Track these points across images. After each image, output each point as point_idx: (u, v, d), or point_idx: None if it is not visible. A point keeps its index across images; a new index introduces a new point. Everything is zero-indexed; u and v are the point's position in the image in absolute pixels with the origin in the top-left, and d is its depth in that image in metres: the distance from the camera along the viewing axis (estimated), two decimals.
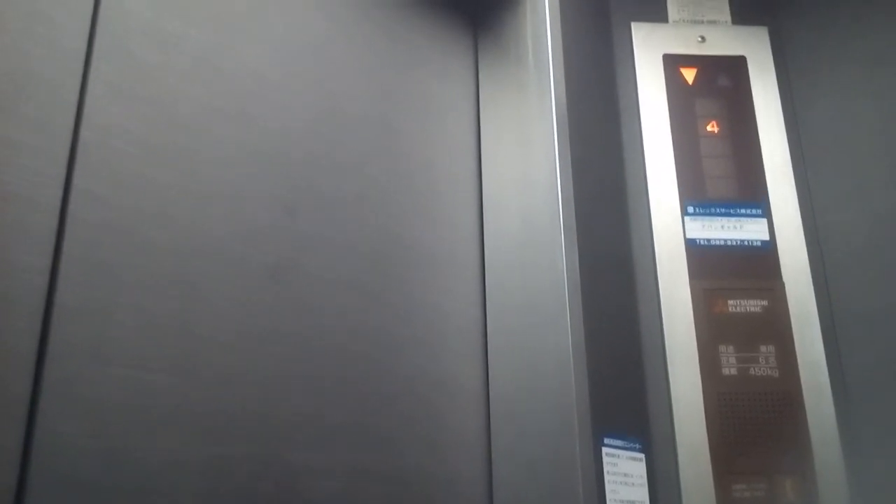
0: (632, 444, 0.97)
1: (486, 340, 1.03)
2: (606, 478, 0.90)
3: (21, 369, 0.61)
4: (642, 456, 0.97)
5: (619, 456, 0.94)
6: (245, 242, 0.79)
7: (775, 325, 1.09)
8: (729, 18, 1.27)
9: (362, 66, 0.98)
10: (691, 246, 1.13)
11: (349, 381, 0.85)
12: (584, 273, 0.97)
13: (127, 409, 0.66)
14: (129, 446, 0.66)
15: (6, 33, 0.66)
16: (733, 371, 1.06)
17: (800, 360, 1.08)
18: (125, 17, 0.74)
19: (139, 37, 0.75)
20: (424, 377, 0.94)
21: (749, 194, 1.16)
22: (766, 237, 1.14)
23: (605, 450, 0.92)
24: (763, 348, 1.08)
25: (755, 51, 1.24)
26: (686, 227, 1.14)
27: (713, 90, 1.21)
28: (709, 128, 1.19)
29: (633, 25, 1.25)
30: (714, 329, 1.09)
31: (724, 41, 1.25)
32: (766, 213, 1.15)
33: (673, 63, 1.22)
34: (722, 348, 1.08)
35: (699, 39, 1.24)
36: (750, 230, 1.14)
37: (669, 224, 1.14)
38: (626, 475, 0.94)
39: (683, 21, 1.26)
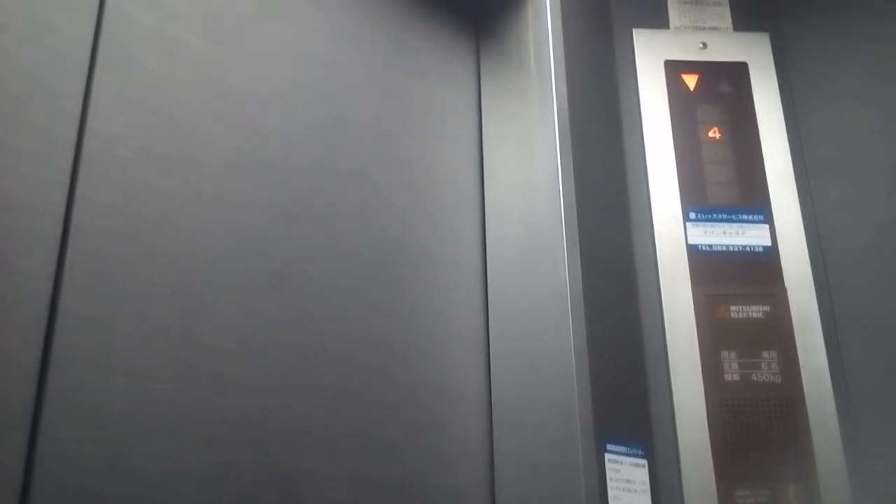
0: (634, 451, 0.96)
1: (488, 347, 1.03)
2: (609, 484, 0.90)
3: (25, 377, 0.61)
4: (645, 462, 0.97)
5: (621, 462, 0.94)
6: (248, 250, 0.79)
7: (777, 331, 1.09)
8: (730, 25, 1.28)
9: (365, 73, 0.98)
10: (693, 252, 1.13)
11: (351, 389, 0.85)
12: (586, 279, 0.97)
13: (130, 418, 0.66)
14: (133, 454, 0.66)
15: (10, 42, 0.66)
16: (736, 377, 1.06)
17: (802, 366, 1.08)
18: (129, 26, 0.74)
19: (143, 46, 0.75)
20: (427, 385, 0.94)
21: (751, 200, 1.16)
22: (768, 243, 1.14)
23: (607, 456, 0.92)
24: (765, 354, 1.08)
25: (757, 57, 1.24)
26: (688, 232, 1.14)
27: (715, 96, 1.22)
28: (710, 134, 1.19)
29: (635, 32, 1.25)
30: (716, 335, 1.09)
31: (726, 47, 1.25)
32: (768, 219, 1.15)
33: (674, 69, 1.23)
34: (724, 354, 1.08)
35: (700, 46, 1.25)
36: (752, 236, 1.14)
37: (671, 230, 1.14)
38: (628, 481, 0.94)
39: (685, 27, 1.27)
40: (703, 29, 1.27)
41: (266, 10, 0.88)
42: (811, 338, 1.09)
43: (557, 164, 1.01)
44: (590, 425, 0.90)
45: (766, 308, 1.10)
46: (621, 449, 0.94)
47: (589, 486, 0.87)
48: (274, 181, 0.84)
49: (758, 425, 1.04)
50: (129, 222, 0.70)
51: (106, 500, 0.63)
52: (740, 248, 1.13)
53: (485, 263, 1.07)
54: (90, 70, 0.71)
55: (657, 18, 1.27)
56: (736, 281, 1.12)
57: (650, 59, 1.23)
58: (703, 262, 1.12)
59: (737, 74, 1.23)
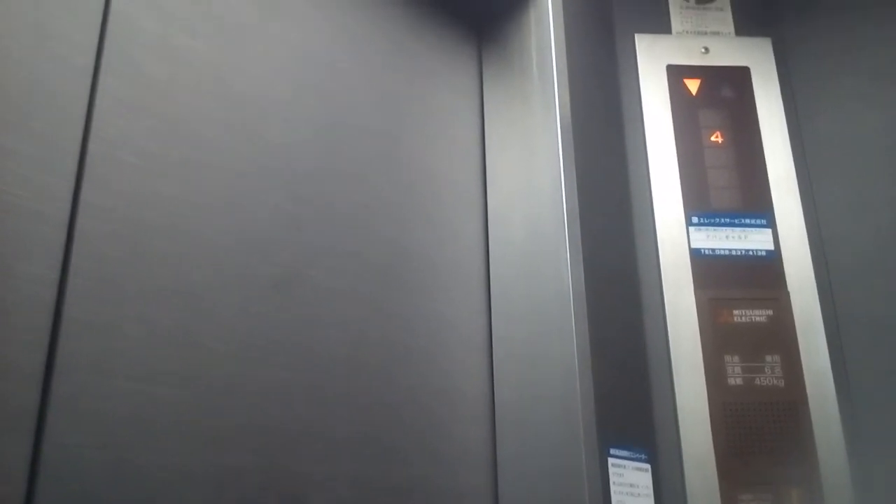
0: (638, 455, 0.96)
1: (490, 350, 1.03)
2: (612, 488, 0.90)
3: (29, 382, 0.61)
4: (648, 466, 0.97)
5: (624, 466, 0.94)
6: (250, 254, 0.79)
7: (780, 335, 1.09)
8: (732, 29, 1.28)
9: (368, 78, 0.99)
10: (696, 256, 1.13)
11: (354, 391, 0.85)
12: (590, 283, 0.97)
13: (134, 422, 0.67)
14: (136, 458, 0.66)
15: (15, 47, 0.66)
16: (739, 381, 1.06)
17: (805, 370, 1.07)
18: (133, 32, 0.75)
19: (146, 51, 0.76)
20: (429, 388, 0.94)
21: (753, 204, 1.16)
22: (771, 247, 1.14)
23: (610, 460, 0.92)
24: (768, 358, 1.08)
25: (759, 62, 1.25)
26: (690, 237, 1.14)
27: (717, 101, 1.22)
28: (713, 138, 1.19)
29: (637, 37, 1.25)
30: (719, 339, 1.09)
31: (728, 52, 1.25)
32: (771, 223, 1.15)
33: (677, 74, 1.23)
34: (727, 358, 1.08)
35: (703, 50, 1.25)
36: (755, 240, 1.14)
37: (674, 234, 1.14)
38: (632, 486, 0.93)
39: (687, 32, 1.27)
40: (706, 33, 1.27)
41: (269, 15, 0.89)
42: (814, 341, 1.09)
43: (560, 168, 1.01)
44: (593, 429, 0.90)
45: (769, 312, 1.10)
46: (624, 453, 0.94)
47: (592, 491, 0.87)
48: (276, 185, 0.84)
49: (761, 429, 1.04)
50: (133, 227, 0.70)
51: (109, 503, 0.64)
52: (743, 252, 1.13)
53: (487, 267, 1.07)
54: (94, 75, 0.71)
55: (659, 23, 1.28)
56: (739, 285, 1.11)
57: (652, 63, 1.23)
58: (705, 266, 1.12)
59: (739, 79, 1.23)
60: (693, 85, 1.22)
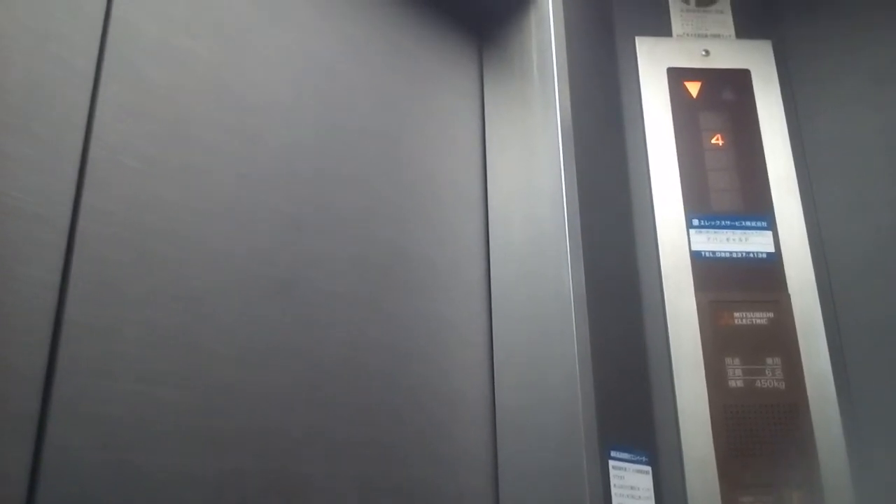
0: (638, 457, 0.96)
1: (491, 353, 1.04)
2: (613, 491, 0.90)
3: (30, 385, 0.62)
4: (649, 469, 0.97)
5: (625, 469, 0.94)
6: (252, 258, 0.80)
7: (781, 338, 1.09)
8: (733, 32, 1.28)
9: (369, 82, 0.99)
10: (697, 258, 1.13)
11: (355, 394, 0.85)
12: (590, 285, 0.97)
13: (134, 424, 0.67)
14: (137, 461, 0.66)
15: (16, 51, 0.67)
16: (739, 383, 1.06)
17: (806, 372, 1.07)
18: (134, 36, 0.75)
19: (148, 55, 0.76)
20: (430, 390, 0.94)
21: (754, 207, 1.16)
22: (772, 249, 1.14)
23: (611, 463, 0.92)
24: (769, 360, 1.08)
25: (759, 64, 1.25)
26: (691, 239, 1.14)
27: (717, 103, 1.22)
28: (713, 141, 1.19)
29: (638, 39, 1.25)
30: (720, 341, 1.09)
31: (729, 55, 1.25)
32: (772, 226, 1.15)
33: (677, 77, 1.23)
34: (728, 360, 1.08)
35: (703, 53, 1.25)
36: (755, 242, 1.14)
37: (674, 236, 1.14)
38: (632, 488, 0.93)
39: (687, 35, 1.27)
40: (706, 36, 1.27)
41: (270, 19, 0.89)
42: (815, 344, 1.09)
43: (560, 170, 1.01)
44: (594, 432, 0.90)
45: (770, 314, 1.10)
46: (625, 456, 0.94)
47: (593, 493, 0.87)
48: (278, 189, 0.84)
49: (762, 432, 1.04)
50: (134, 230, 0.71)
51: None
52: (744, 254, 1.13)
53: (488, 269, 1.07)
54: (96, 79, 0.71)
55: (660, 26, 1.28)
56: (739, 287, 1.12)
57: (653, 66, 1.24)
58: (706, 268, 1.12)
59: (739, 81, 1.23)
60: (693, 87, 1.22)
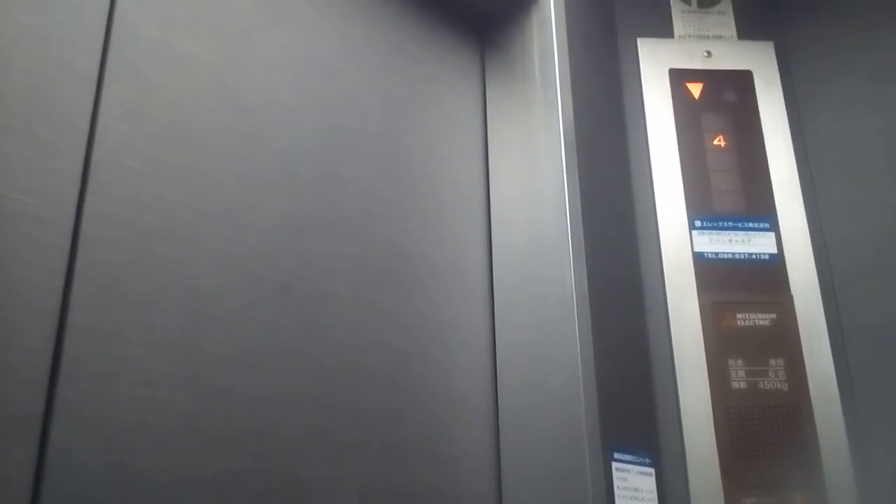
0: (641, 459, 0.96)
1: (494, 355, 1.03)
2: (616, 492, 0.90)
3: (33, 388, 0.62)
4: (652, 470, 0.97)
5: (628, 470, 0.93)
6: (254, 260, 0.80)
7: (784, 339, 1.09)
8: (735, 33, 1.28)
9: (371, 84, 0.99)
10: (699, 259, 1.13)
11: (357, 396, 0.85)
12: (593, 287, 0.97)
13: (137, 427, 0.67)
14: (140, 463, 0.66)
15: (19, 53, 0.67)
16: (742, 385, 1.06)
17: (809, 374, 1.07)
18: (137, 39, 0.75)
19: (151, 58, 0.76)
20: (433, 392, 0.94)
21: (756, 208, 1.16)
22: (774, 250, 1.14)
23: (614, 464, 0.91)
24: (772, 362, 1.08)
25: (761, 65, 1.25)
26: (694, 240, 1.14)
27: (720, 105, 1.22)
28: (715, 142, 1.19)
29: (640, 41, 1.25)
30: (723, 343, 1.08)
31: (730, 56, 1.25)
32: (774, 227, 1.15)
33: (679, 78, 1.23)
34: (731, 362, 1.07)
35: (705, 54, 1.25)
36: (758, 244, 1.14)
37: (677, 238, 1.14)
38: (636, 490, 0.93)
39: (689, 36, 1.27)
40: (708, 37, 1.27)
41: (271, 21, 0.89)
42: (818, 345, 1.09)
43: (563, 171, 1.01)
44: (597, 433, 0.90)
45: (773, 315, 1.10)
46: (628, 457, 0.94)
47: (596, 495, 0.87)
48: (279, 189, 0.84)
49: (765, 433, 1.04)
50: (137, 233, 0.71)
51: None
52: (746, 255, 1.13)
53: (491, 271, 1.07)
54: (98, 81, 0.71)
55: (662, 27, 1.28)
56: (742, 289, 1.11)
57: (655, 67, 1.24)
58: (709, 269, 1.12)
59: (741, 82, 1.23)
60: (696, 89, 1.22)
